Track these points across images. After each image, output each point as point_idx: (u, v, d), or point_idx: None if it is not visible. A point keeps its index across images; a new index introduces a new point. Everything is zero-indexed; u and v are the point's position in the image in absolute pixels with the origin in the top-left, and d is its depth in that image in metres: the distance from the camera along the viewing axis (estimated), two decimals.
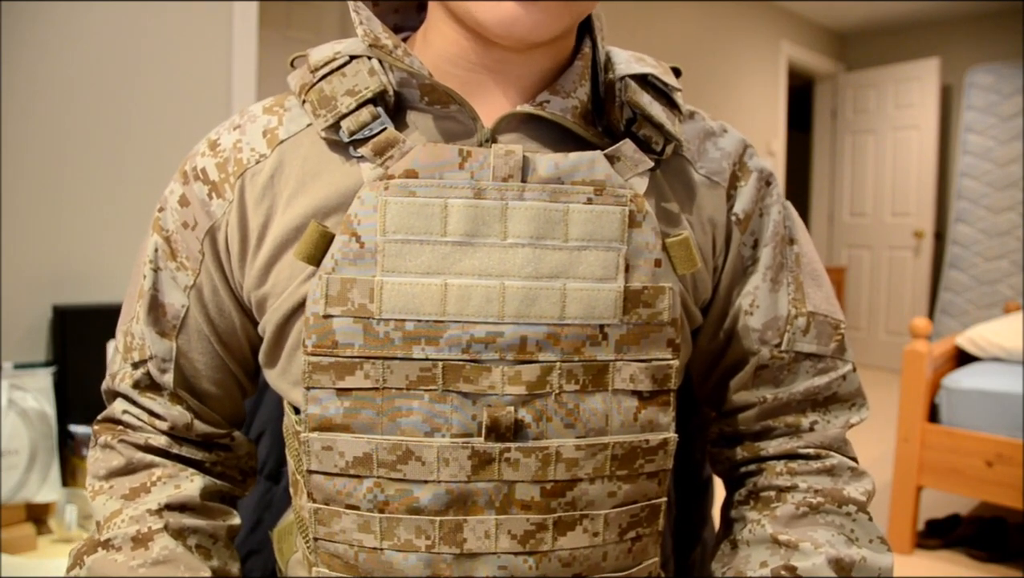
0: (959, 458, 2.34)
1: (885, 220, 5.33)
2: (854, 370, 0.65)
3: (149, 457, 0.61)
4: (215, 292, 0.60)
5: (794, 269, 0.64)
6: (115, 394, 0.64)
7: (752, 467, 0.65)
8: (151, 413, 0.62)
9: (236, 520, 0.63)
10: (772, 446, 0.64)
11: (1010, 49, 4.84)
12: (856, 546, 0.59)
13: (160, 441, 0.62)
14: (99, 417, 0.65)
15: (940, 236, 5.21)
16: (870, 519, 0.62)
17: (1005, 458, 2.26)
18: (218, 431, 0.64)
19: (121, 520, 0.58)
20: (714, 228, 0.61)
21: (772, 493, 0.63)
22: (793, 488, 0.62)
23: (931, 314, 5.08)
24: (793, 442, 0.63)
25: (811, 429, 0.64)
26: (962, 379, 2.43)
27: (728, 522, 0.66)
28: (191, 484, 0.61)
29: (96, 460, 0.62)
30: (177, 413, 0.62)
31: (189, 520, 0.59)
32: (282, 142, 0.58)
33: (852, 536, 0.60)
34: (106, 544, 0.56)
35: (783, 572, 0.57)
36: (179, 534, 0.58)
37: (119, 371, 0.63)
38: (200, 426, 0.63)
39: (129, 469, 0.61)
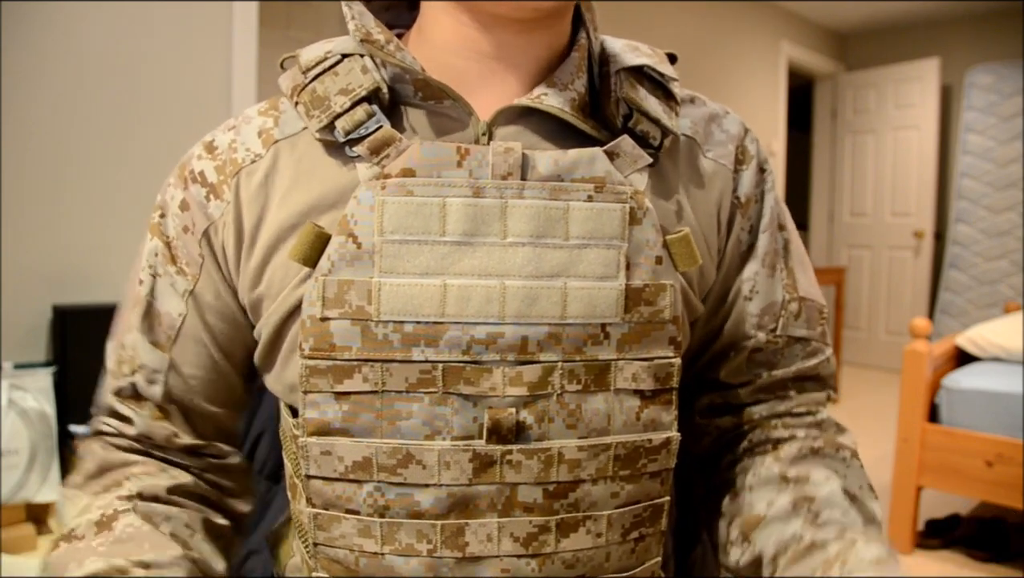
0: (959, 458, 2.34)
1: (885, 220, 5.33)
2: (832, 354, 0.68)
3: (128, 456, 0.59)
4: (218, 296, 0.59)
5: (785, 255, 0.65)
6: (100, 410, 0.62)
7: (744, 428, 0.66)
8: (123, 419, 0.60)
9: (220, 520, 0.61)
10: (764, 409, 0.65)
11: (1010, 49, 4.84)
12: (843, 486, 0.61)
13: (143, 445, 0.60)
14: (83, 437, 0.63)
15: (940, 236, 5.20)
16: (861, 466, 0.63)
17: (1005, 458, 2.25)
18: (200, 442, 0.61)
19: (87, 511, 0.55)
20: (719, 210, 0.61)
21: (769, 445, 0.64)
22: (791, 438, 0.63)
23: (931, 314, 5.08)
24: (785, 404, 0.65)
25: (799, 394, 0.66)
26: (962, 379, 2.43)
27: (724, 482, 0.65)
28: (167, 480, 0.58)
29: (72, 475, 0.59)
30: (158, 427, 0.60)
31: (161, 507, 0.56)
32: (277, 142, 0.57)
33: (847, 481, 0.61)
34: (68, 536, 0.53)
35: (803, 502, 0.58)
36: (148, 519, 0.55)
37: (106, 390, 0.61)
38: (183, 440, 0.60)
39: (105, 469, 0.59)
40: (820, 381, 0.67)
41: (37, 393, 1.81)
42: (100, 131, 2.00)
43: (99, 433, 0.62)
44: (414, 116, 0.56)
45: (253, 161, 0.57)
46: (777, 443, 0.63)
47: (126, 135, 2.04)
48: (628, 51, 0.59)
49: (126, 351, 0.60)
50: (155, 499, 0.57)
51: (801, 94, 5.91)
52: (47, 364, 1.88)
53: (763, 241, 0.63)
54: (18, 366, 1.83)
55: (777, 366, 0.65)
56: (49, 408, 1.76)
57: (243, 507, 0.64)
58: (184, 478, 0.60)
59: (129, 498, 0.56)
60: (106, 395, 0.61)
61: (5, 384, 1.75)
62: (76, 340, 1.81)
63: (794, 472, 0.60)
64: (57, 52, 1.91)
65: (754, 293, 0.63)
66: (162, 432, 0.60)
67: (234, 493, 0.64)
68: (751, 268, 0.63)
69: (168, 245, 0.59)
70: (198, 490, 0.60)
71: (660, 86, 0.59)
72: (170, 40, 2.11)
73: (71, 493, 0.58)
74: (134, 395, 0.60)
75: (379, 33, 0.55)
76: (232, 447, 0.65)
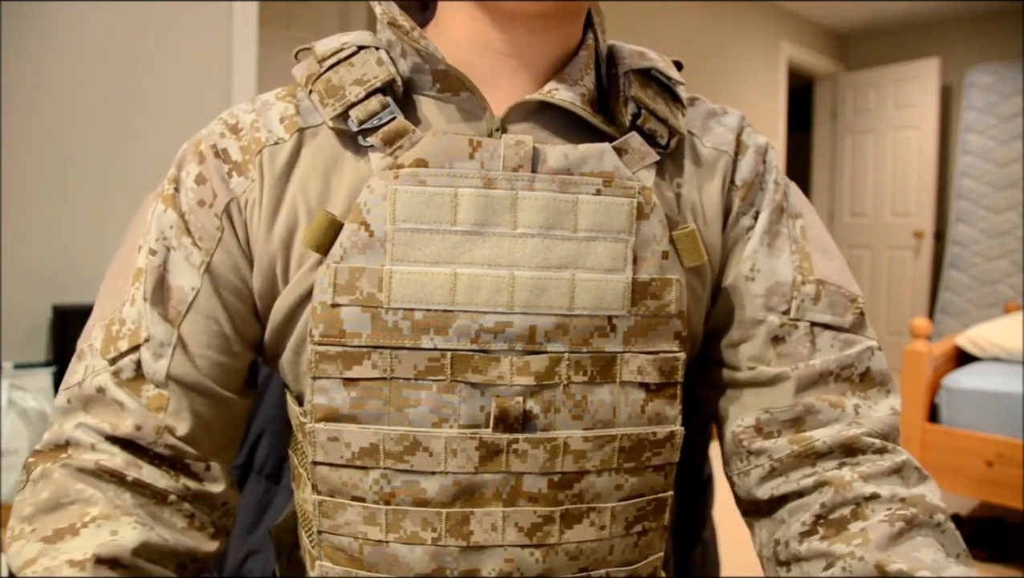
0: (959, 458, 2.34)
1: (885, 220, 5.33)
2: (879, 349, 0.60)
3: (90, 490, 0.51)
4: (235, 269, 0.56)
5: (799, 241, 0.61)
6: (71, 407, 0.55)
7: (809, 481, 0.56)
8: (116, 407, 0.54)
9: None
10: (825, 434, 0.56)
11: (1010, 49, 4.85)
12: (955, 562, 0.52)
13: (116, 461, 0.52)
14: (36, 447, 0.54)
15: (940, 236, 5.21)
16: (954, 527, 0.54)
17: (1005, 458, 2.26)
18: (191, 450, 0.55)
19: (31, 566, 0.47)
20: (722, 197, 0.61)
21: (848, 511, 0.53)
22: (874, 497, 0.53)
23: (931, 314, 5.08)
24: (851, 429, 0.56)
25: (856, 413, 0.57)
26: (962, 379, 2.43)
27: (803, 562, 0.54)
28: (131, 532, 0.49)
29: (23, 499, 0.51)
30: (152, 418, 0.53)
31: None
32: (301, 130, 0.57)
33: (946, 552, 0.52)
34: None
35: None
36: None
37: (87, 376, 0.55)
38: (173, 437, 0.54)
39: (59, 503, 0.50)
40: (873, 380, 0.59)
41: (37, 393, 1.81)
42: (100, 131, 2.00)
43: (67, 444, 0.54)
44: (429, 107, 0.57)
45: (276, 143, 0.57)
46: (858, 506, 0.53)
47: (126, 135, 2.04)
48: (636, 55, 0.60)
49: (125, 326, 0.55)
50: (115, 563, 0.48)
51: (801, 94, 5.91)
52: (47, 364, 1.88)
53: (761, 220, 0.61)
54: (18, 366, 1.83)
55: (809, 357, 0.58)
56: (49, 408, 1.76)
57: (210, 546, 0.56)
58: (146, 532, 0.50)
59: (82, 564, 0.47)
60: (90, 384, 0.55)
61: (5, 384, 1.75)
62: (76, 340, 1.80)
63: (896, 566, 0.49)
64: (57, 52, 1.91)
65: (755, 272, 0.60)
66: (153, 423, 0.54)
67: (207, 529, 0.57)
68: (749, 248, 0.60)
69: (182, 217, 0.57)
70: (166, 544, 0.52)
71: (666, 89, 0.60)
72: (170, 40, 2.11)
73: (20, 529, 0.50)
74: (135, 376, 0.54)
75: (404, 20, 0.56)
76: (226, 461, 0.60)
